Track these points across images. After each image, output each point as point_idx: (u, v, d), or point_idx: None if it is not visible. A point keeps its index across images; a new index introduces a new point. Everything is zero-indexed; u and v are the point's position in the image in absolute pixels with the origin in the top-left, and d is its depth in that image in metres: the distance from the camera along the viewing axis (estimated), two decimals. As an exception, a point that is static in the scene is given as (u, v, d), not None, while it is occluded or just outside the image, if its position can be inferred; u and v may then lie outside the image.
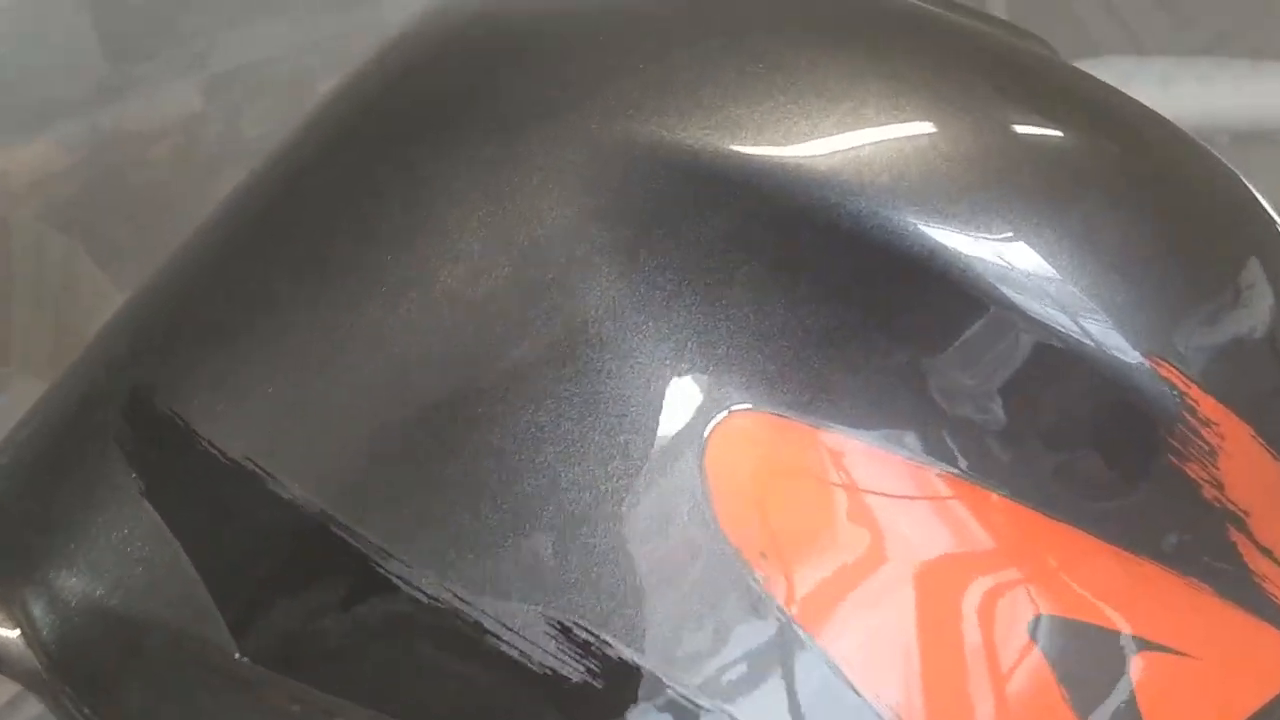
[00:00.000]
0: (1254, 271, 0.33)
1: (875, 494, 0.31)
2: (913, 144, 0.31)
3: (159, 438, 0.33)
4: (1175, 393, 0.31)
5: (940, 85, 0.33)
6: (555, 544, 0.30)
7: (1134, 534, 0.32)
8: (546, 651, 0.30)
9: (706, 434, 0.30)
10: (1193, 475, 0.32)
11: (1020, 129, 0.33)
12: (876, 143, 0.31)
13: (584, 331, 0.31)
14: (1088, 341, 0.31)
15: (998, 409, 0.31)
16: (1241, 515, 0.33)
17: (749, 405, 0.30)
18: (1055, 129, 0.33)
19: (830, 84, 0.32)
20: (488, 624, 0.30)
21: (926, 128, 0.32)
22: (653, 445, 0.30)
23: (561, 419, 0.30)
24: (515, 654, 0.30)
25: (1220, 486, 0.32)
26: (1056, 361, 0.31)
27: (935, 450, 0.31)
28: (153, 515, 0.32)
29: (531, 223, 0.31)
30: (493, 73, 0.35)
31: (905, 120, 0.32)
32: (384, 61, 0.37)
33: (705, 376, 0.30)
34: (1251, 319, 0.33)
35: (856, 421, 0.31)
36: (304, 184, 0.36)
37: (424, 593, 0.30)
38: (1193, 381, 0.31)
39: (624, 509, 0.30)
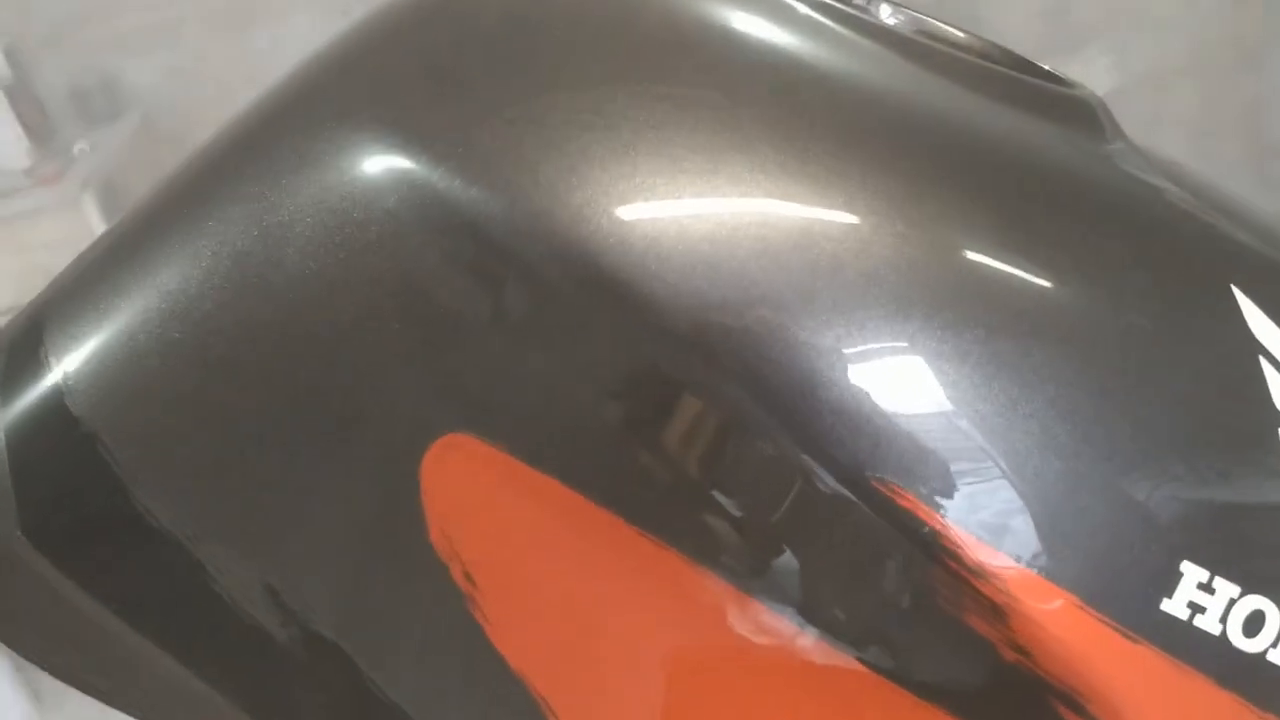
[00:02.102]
0: None
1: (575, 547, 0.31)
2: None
3: None
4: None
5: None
6: (287, 514, 0.33)
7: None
8: (256, 606, 0.33)
9: (425, 451, 0.31)
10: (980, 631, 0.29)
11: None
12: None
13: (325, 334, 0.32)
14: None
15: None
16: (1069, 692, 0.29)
17: (470, 432, 0.31)
18: None
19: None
20: (210, 568, 0.33)
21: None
22: (382, 452, 0.32)
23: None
24: (228, 599, 0.33)
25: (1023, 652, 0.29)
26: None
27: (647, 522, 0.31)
28: None
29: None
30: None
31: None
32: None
33: (435, 396, 0.32)
34: None
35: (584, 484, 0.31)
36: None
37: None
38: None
39: (342, 499, 0.32)
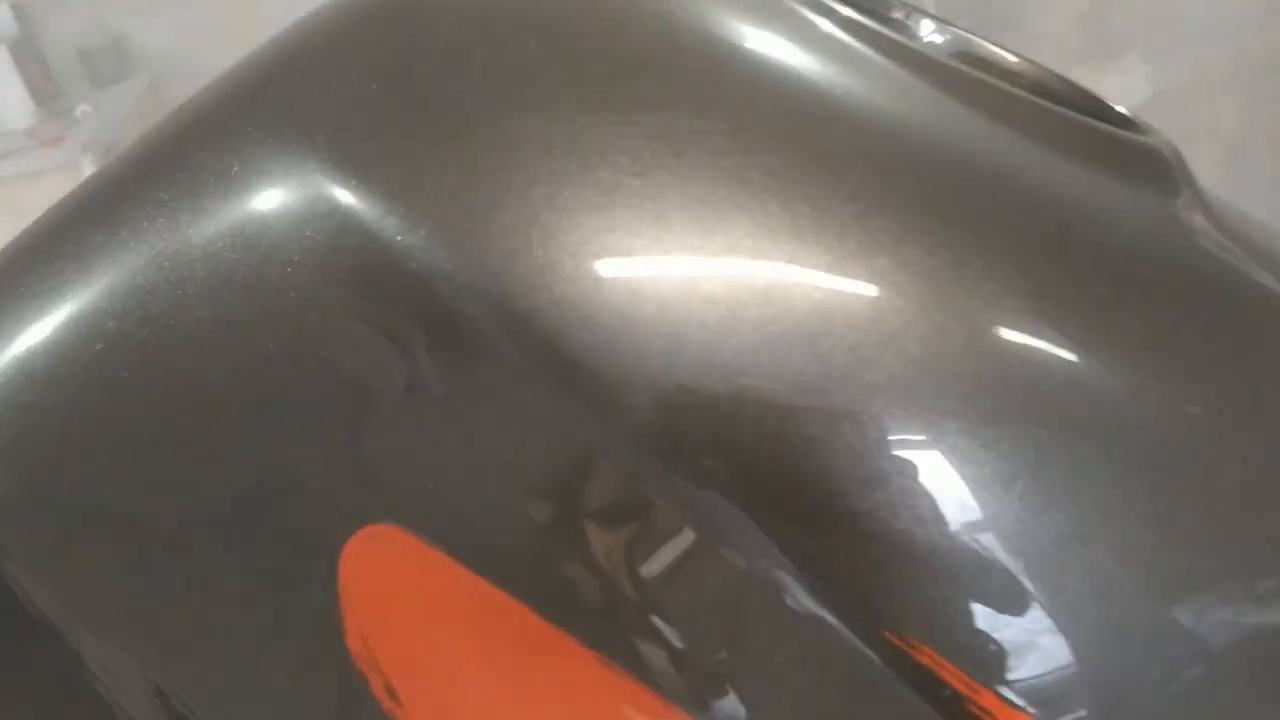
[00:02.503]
0: None
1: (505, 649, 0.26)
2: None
3: None
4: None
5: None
6: (179, 607, 0.27)
7: None
8: (141, 708, 0.28)
9: (343, 544, 0.26)
10: None
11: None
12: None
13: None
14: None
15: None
16: None
17: (397, 523, 0.26)
18: None
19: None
20: (90, 662, 0.28)
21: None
22: (289, 543, 0.26)
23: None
24: (109, 698, 0.28)
25: None
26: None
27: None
28: None
29: None
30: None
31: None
32: None
33: (352, 483, 0.26)
34: None
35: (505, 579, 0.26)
36: None
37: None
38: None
39: (243, 589, 0.27)
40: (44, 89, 1.99)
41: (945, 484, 0.23)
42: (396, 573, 0.26)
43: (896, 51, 0.29)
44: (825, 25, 0.29)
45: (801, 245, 0.24)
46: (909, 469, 0.23)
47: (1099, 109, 0.32)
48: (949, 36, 0.35)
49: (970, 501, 0.23)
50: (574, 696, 0.25)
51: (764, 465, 0.22)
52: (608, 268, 0.24)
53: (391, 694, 0.26)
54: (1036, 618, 0.23)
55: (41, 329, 0.28)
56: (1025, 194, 0.27)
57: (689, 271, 0.24)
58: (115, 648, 0.27)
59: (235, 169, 0.27)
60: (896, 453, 0.23)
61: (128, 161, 0.31)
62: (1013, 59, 0.35)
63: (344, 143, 0.26)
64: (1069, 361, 0.25)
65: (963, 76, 0.29)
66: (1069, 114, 0.30)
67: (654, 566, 0.23)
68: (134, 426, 0.27)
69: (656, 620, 0.24)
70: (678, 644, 0.23)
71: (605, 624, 0.24)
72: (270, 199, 0.26)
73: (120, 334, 0.27)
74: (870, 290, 0.24)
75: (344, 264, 0.25)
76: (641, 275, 0.24)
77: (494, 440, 0.24)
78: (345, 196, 0.25)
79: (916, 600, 0.23)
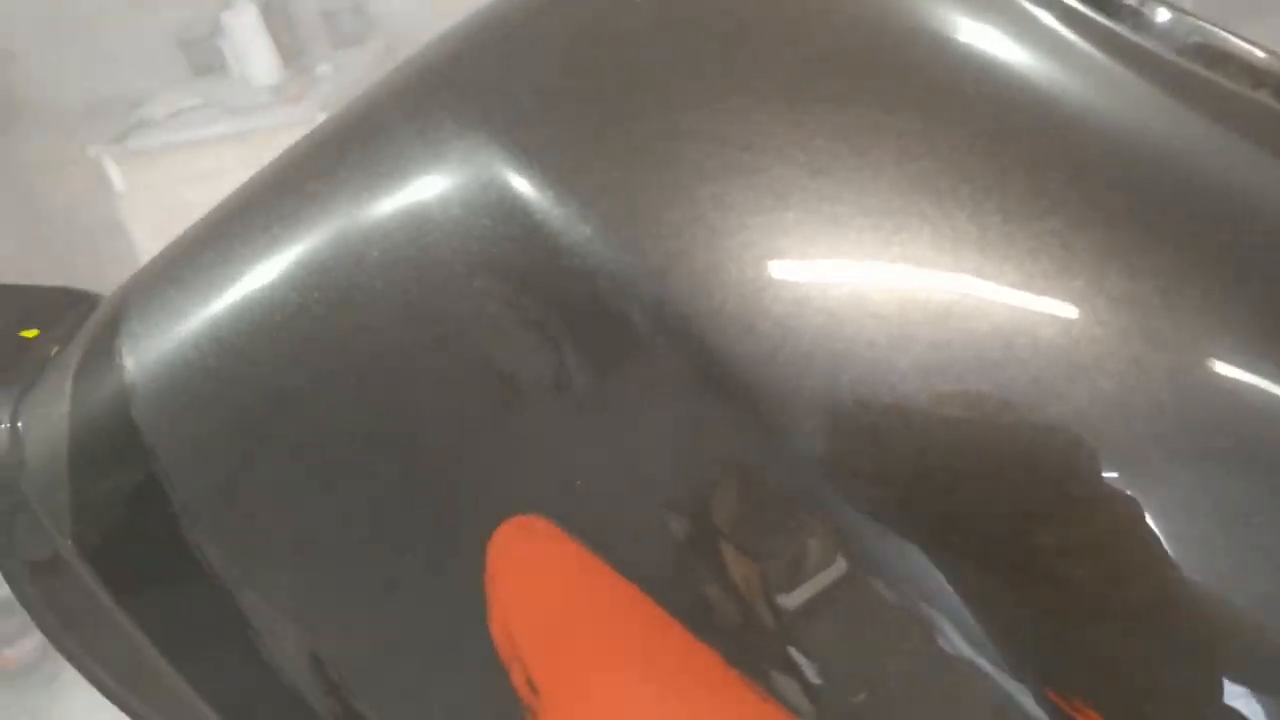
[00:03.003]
0: None
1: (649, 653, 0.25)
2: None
3: None
4: None
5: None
6: (342, 581, 0.28)
7: None
8: (297, 671, 0.28)
9: (492, 532, 0.25)
10: None
11: None
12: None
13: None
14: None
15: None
16: None
17: (545, 515, 0.25)
18: None
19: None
20: (254, 622, 0.28)
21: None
22: (441, 527, 0.26)
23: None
24: (267, 657, 0.28)
25: None
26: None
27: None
28: None
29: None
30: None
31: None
32: None
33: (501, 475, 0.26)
34: None
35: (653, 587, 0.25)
36: None
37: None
38: None
39: (401, 569, 0.27)
40: (289, 48, 2.09)
41: (1137, 531, 0.21)
42: (542, 565, 0.25)
43: (1121, 48, 0.26)
44: (1045, 18, 0.26)
45: (988, 261, 0.22)
46: (1097, 514, 0.21)
47: None
48: (1187, 28, 0.32)
49: (1165, 554, 0.21)
50: (713, 710, 0.24)
51: (931, 496, 0.21)
52: (773, 274, 0.22)
53: (531, 686, 0.26)
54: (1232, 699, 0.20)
55: (234, 295, 0.29)
56: (1252, 215, 0.24)
57: (861, 283, 0.22)
58: (278, 613, 0.28)
59: (416, 149, 0.26)
60: (1080, 494, 0.21)
61: (322, 135, 0.31)
62: (1260, 54, 0.31)
63: (518, 128, 0.26)
64: None
65: (1194, 78, 0.26)
66: None
67: (799, 596, 0.22)
68: (306, 400, 0.27)
69: (795, 652, 0.22)
70: (815, 679, 0.22)
71: (746, 647, 0.23)
72: (444, 182, 0.26)
73: (300, 308, 0.27)
74: (1062, 315, 0.22)
75: (509, 253, 0.24)
76: (809, 285, 0.22)
77: (643, 444, 0.23)
78: (516, 183, 0.25)
79: (1095, 662, 0.20)
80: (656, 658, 0.25)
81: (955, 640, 0.21)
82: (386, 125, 0.28)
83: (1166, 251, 0.22)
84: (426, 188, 0.26)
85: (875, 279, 0.22)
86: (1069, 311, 0.21)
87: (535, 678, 0.26)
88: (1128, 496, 0.21)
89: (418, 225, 0.26)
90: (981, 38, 0.26)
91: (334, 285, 0.27)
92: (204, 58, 2.10)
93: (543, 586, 0.26)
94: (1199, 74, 0.26)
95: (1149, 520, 0.21)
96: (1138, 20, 0.32)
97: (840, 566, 0.22)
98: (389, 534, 0.27)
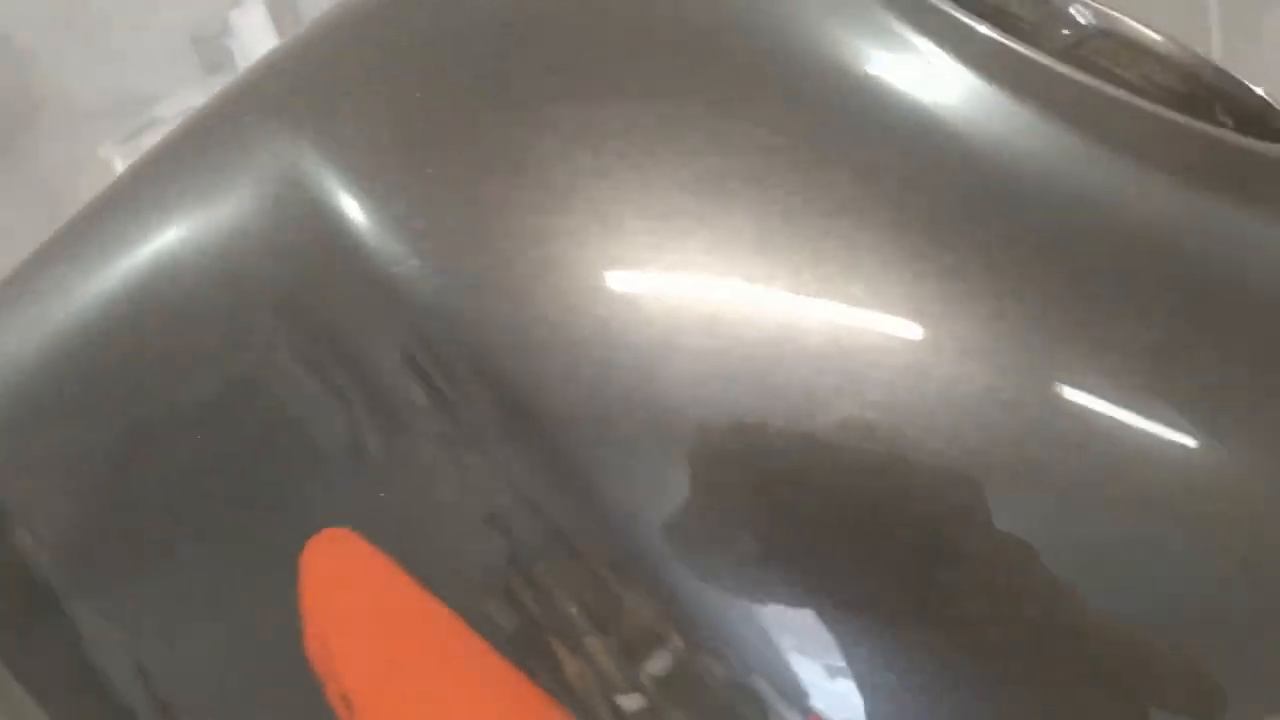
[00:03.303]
0: None
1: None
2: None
3: None
4: None
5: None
6: (163, 585, 0.27)
7: None
8: (126, 685, 0.27)
9: (303, 544, 0.25)
10: None
11: None
12: None
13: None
14: None
15: None
16: None
17: (353, 528, 0.25)
18: None
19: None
20: (83, 629, 0.27)
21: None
22: (256, 536, 0.25)
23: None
24: (99, 669, 0.28)
25: None
26: None
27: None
28: None
29: None
30: None
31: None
32: None
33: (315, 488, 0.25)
34: None
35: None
36: None
37: None
38: None
39: (218, 572, 0.27)
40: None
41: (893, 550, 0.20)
42: (352, 579, 0.25)
43: (971, 45, 0.25)
44: (878, 12, 0.25)
45: (765, 264, 0.21)
46: (865, 532, 0.20)
47: (1260, 111, 0.27)
48: (1089, 14, 0.31)
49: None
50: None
51: (692, 513, 0.20)
52: (545, 280, 0.22)
53: (347, 702, 0.25)
54: None
55: (58, 314, 0.28)
56: (1048, 205, 0.23)
57: (631, 289, 0.21)
58: (101, 618, 0.27)
59: (234, 163, 0.26)
60: (847, 513, 0.20)
61: (160, 149, 0.31)
62: (1159, 41, 0.30)
63: (325, 135, 0.25)
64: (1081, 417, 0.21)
65: (1057, 81, 0.25)
66: (1211, 132, 0.25)
67: (581, 617, 0.22)
68: (116, 408, 0.27)
69: (615, 697, 0.22)
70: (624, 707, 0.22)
71: (553, 673, 0.22)
72: (255, 196, 0.25)
73: (120, 321, 0.27)
74: (837, 321, 0.21)
75: (303, 259, 0.24)
76: (581, 290, 0.21)
77: (440, 481, 0.23)
78: (320, 194, 0.24)
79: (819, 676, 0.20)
80: (467, 675, 0.24)
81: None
82: (212, 130, 0.28)
83: (959, 254, 0.21)
84: (236, 203, 0.25)
85: (647, 285, 0.21)
86: (845, 318, 0.21)
87: (350, 693, 0.25)
88: (912, 505, 0.20)
89: (225, 241, 0.25)
90: (791, 29, 0.25)
91: (149, 303, 0.26)
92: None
93: (353, 600, 0.25)
94: (1067, 77, 0.25)
95: (935, 524, 0.20)
96: (1027, 12, 0.31)
97: (603, 580, 0.21)
98: (205, 549, 0.26)
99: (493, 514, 0.22)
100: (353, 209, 0.23)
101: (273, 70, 0.28)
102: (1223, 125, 0.29)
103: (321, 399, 0.24)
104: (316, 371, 0.24)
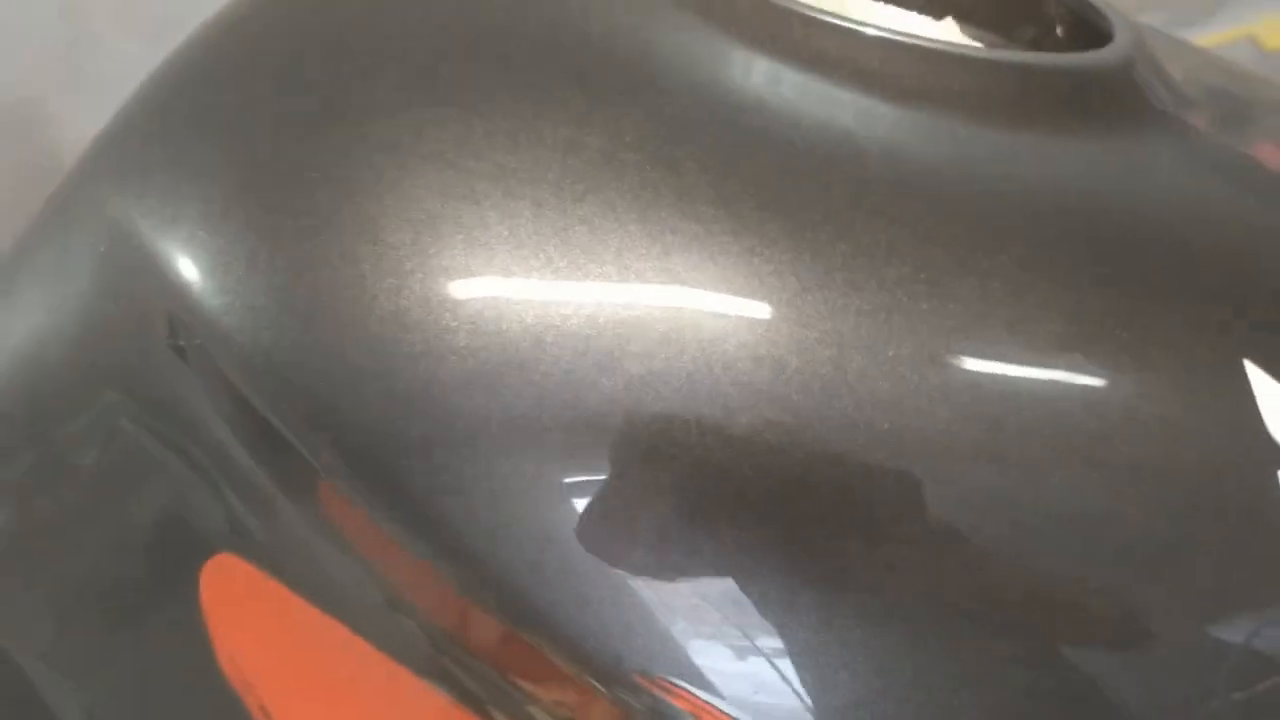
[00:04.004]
0: None
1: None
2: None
3: None
4: None
5: None
6: (92, 628, 0.29)
7: None
8: None
9: (199, 570, 0.26)
10: None
11: None
12: None
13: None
14: None
15: None
16: None
17: (240, 555, 0.26)
18: None
19: None
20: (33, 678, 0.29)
21: None
22: (158, 566, 0.27)
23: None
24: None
25: None
26: None
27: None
28: None
29: None
30: None
31: None
32: None
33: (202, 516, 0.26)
34: None
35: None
36: None
37: None
38: None
39: (136, 606, 0.28)
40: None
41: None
42: (247, 599, 0.26)
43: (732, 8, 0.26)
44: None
45: (521, 253, 0.22)
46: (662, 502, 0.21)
47: (1028, 17, 0.28)
48: None
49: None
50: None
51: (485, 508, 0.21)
52: (373, 310, 0.22)
53: (265, 712, 0.26)
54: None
55: None
56: (852, 169, 0.23)
57: (400, 292, 0.22)
58: (48, 670, 0.29)
59: (68, 235, 0.27)
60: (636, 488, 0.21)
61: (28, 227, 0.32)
62: None
63: (136, 197, 0.25)
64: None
65: (815, 29, 0.25)
66: (986, 55, 0.25)
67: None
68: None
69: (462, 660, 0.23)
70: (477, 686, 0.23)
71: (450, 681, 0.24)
72: (87, 269, 0.26)
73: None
74: (584, 300, 0.21)
75: (130, 332, 0.25)
76: (403, 313, 0.22)
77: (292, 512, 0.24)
78: (140, 261, 0.25)
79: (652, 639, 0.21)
80: (372, 678, 0.25)
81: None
82: (57, 205, 0.29)
83: (725, 220, 0.22)
84: (74, 272, 0.26)
85: (411, 287, 0.22)
86: (592, 295, 0.21)
87: (266, 704, 0.27)
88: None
89: (68, 322, 0.26)
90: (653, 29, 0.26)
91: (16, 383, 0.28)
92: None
93: (251, 617, 0.26)
94: (794, 14, 0.25)
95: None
96: None
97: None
98: (114, 578, 0.28)
99: (353, 546, 0.23)
100: (170, 270, 0.24)
101: (104, 135, 0.29)
102: (1050, 28, 0.29)
103: (182, 469, 0.25)
104: (168, 442, 0.25)
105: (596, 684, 0.21)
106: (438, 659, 0.23)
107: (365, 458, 0.22)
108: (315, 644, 0.26)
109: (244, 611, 0.27)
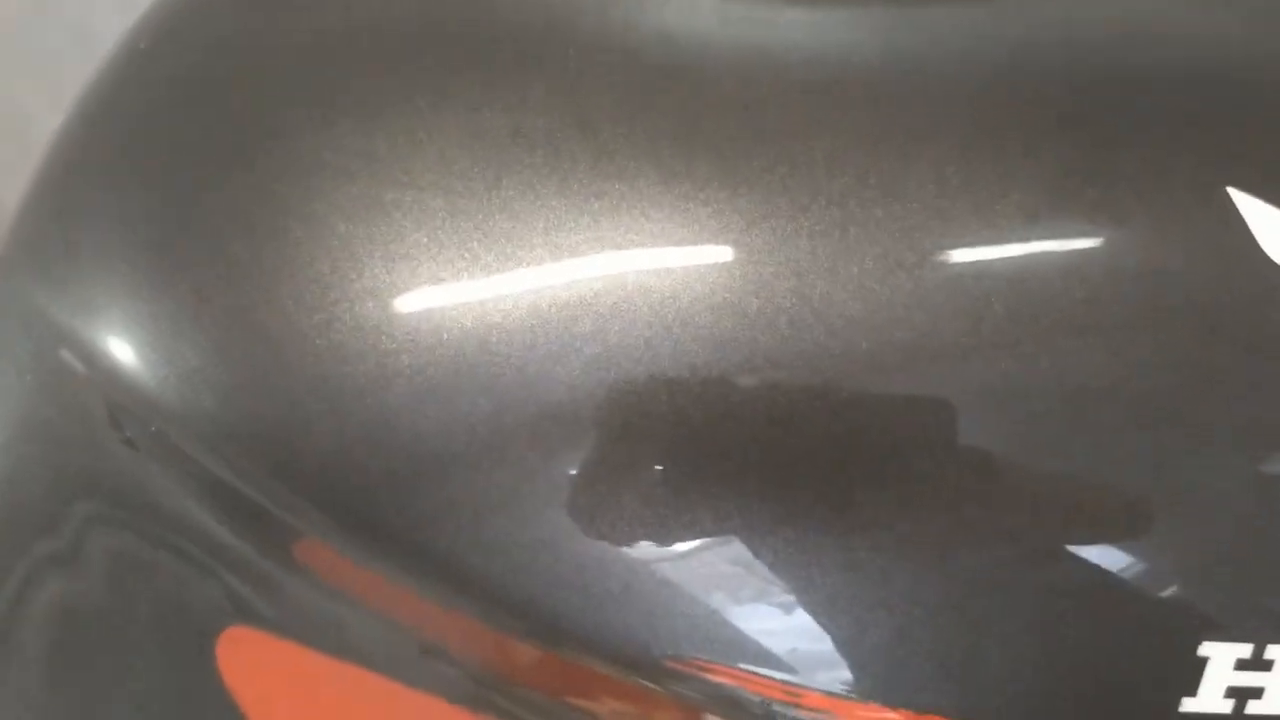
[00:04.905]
0: None
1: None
2: None
3: None
4: None
5: None
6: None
7: None
8: None
9: (214, 649, 0.25)
10: None
11: None
12: None
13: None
14: None
15: None
16: None
17: (247, 624, 0.25)
18: None
19: None
20: None
21: None
22: (174, 654, 0.26)
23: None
24: None
25: None
26: None
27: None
28: None
29: None
30: None
31: None
32: None
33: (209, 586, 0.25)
34: None
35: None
36: None
37: None
38: None
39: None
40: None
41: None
42: (270, 669, 0.25)
43: None
44: None
45: (444, 256, 0.20)
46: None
47: None
48: None
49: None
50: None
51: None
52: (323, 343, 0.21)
53: None
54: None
55: None
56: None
57: (331, 326, 0.21)
58: None
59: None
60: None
61: None
62: None
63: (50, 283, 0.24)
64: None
65: None
66: None
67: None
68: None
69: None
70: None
71: (466, 686, 0.23)
72: (21, 369, 0.25)
73: None
74: (520, 291, 0.20)
75: (73, 433, 0.24)
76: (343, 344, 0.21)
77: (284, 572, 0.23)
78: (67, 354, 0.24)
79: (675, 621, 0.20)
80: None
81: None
82: None
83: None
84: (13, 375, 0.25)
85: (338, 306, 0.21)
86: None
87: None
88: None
89: (16, 430, 0.25)
90: None
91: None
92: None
93: (280, 687, 0.25)
94: None
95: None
96: None
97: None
98: (132, 685, 0.27)
99: (362, 600, 0.22)
100: (98, 357, 0.23)
101: (16, 216, 0.28)
102: None
103: (175, 564, 0.24)
104: (152, 539, 0.24)
105: (641, 681, 0.20)
106: (484, 694, 0.23)
107: (336, 503, 0.21)
108: (350, 696, 0.25)
109: (270, 683, 0.26)
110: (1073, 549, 0.19)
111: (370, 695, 0.25)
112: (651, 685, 0.20)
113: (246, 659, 0.26)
